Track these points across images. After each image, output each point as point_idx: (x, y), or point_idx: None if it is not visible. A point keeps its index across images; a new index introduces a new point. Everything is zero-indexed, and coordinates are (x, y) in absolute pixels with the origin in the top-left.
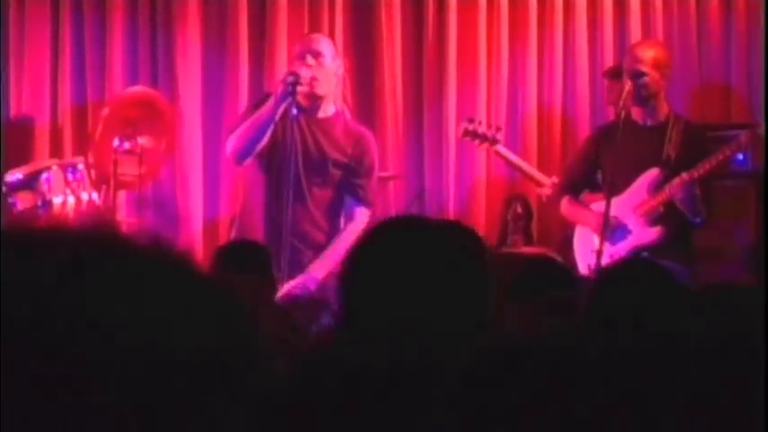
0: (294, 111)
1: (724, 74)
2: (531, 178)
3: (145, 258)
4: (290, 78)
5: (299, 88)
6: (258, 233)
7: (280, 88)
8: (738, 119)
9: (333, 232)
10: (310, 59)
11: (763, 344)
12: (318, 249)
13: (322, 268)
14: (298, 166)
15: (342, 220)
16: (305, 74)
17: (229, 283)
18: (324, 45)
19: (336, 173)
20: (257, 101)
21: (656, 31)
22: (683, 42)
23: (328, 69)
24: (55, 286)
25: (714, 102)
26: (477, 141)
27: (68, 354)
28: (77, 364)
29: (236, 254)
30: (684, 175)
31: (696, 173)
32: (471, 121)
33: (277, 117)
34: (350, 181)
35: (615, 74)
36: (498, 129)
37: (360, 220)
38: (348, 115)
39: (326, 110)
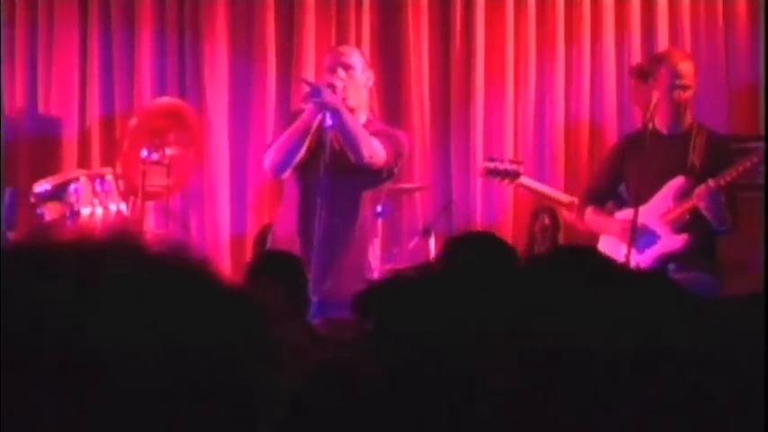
0: (329, 121)
1: (752, 82)
2: (558, 202)
3: (161, 269)
4: (317, 90)
5: (327, 98)
6: (294, 244)
7: (311, 99)
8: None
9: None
10: (341, 72)
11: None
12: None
13: None
14: (332, 176)
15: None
16: (338, 85)
17: (247, 293)
18: (354, 57)
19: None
20: (291, 117)
21: (684, 37)
22: (709, 48)
23: (359, 81)
24: (69, 300)
25: (742, 111)
26: (499, 179)
27: (74, 365)
28: (88, 377)
29: (270, 264)
30: (710, 182)
31: (722, 180)
32: (492, 160)
33: (313, 128)
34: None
35: (642, 74)
36: (519, 162)
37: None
38: (378, 122)
39: (359, 120)
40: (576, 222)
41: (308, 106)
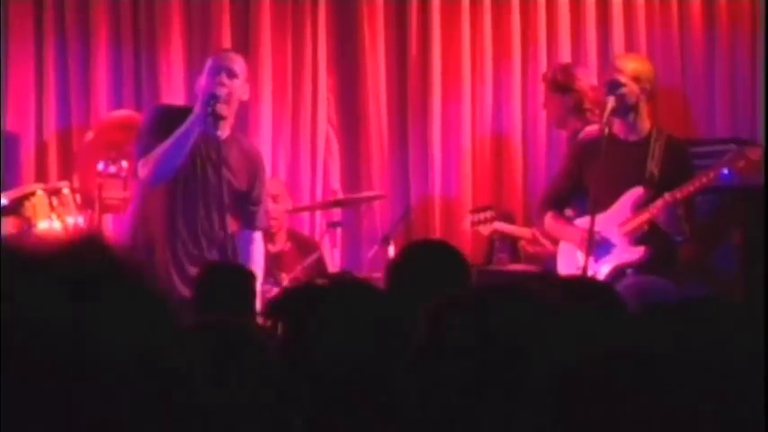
0: (213, 130)
1: (708, 87)
2: (522, 237)
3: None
4: (212, 98)
5: (217, 107)
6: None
7: (199, 107)
8: (723, 133)
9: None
10: (225, 78)
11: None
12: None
13: None
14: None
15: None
16: (221, 92)
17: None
18: (239, 66)
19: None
20: (156, 123)
21: (640, 45)
22: (666, 55)
23: (238, 92)
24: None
25: (698, 116)
26: (481, 228)
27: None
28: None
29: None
30: (667, 197)
31: (679, 194)
32: (475, 211)
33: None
34: (244, 208)
35: (560, 87)
36: (492, 208)
37: (257, 248)
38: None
39: (224, 131)
40: (535, 217)
41: (197, 114)
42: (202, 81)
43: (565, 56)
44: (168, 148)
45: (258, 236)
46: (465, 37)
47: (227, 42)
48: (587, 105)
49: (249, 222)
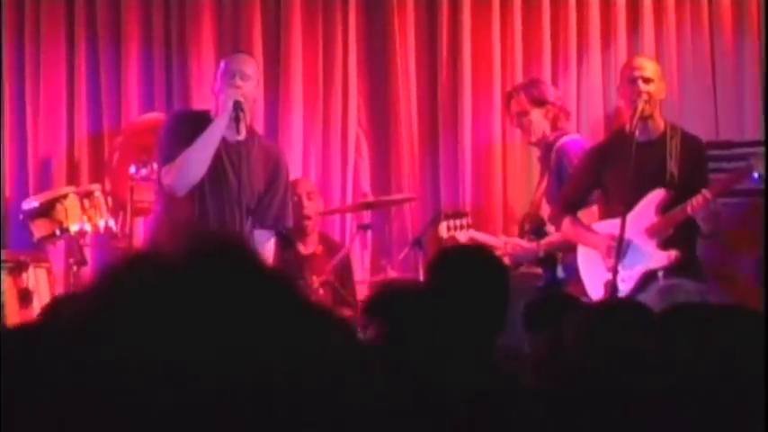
0: (238, 136)
1: (738, 89)
2: (496, 247)
3: None
4: (236, 105)
5: (242, 114)
6: None
7: (220, 112)
8: (752, 135)
9: None
10: (239, 81)
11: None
12: None
13: None
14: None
15: None
16: (241, 97)
17: None
18: (252, 68)
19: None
20: (175, 130)
21: (670, 46)
22: (696, 56)
23: (252, 93)
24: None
25: (728, 118)
26: (458, 234)
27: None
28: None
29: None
30: (706, 193)
31: (716, 189)
32: (449, 217)
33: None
34: (260, 204)
35: (536, 101)
36: (467, 214)
37: (268, 248)
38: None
39: (241, 133)
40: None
41: (219, 120)
42: (217, 84)
43: (595, 57)
44: (192, 155)
45: (270, 235)
46: (495, 39)
47: (258, 46)
48: (562, 115)
49: (262, 220)
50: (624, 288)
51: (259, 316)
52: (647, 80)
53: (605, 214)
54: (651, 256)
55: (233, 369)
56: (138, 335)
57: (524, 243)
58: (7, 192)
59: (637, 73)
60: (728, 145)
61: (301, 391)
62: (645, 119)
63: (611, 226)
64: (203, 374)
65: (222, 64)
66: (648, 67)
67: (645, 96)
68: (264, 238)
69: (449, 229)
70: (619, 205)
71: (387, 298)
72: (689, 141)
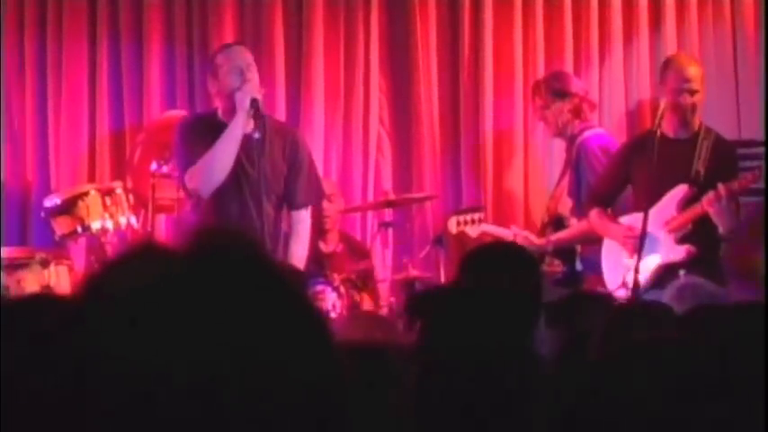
0: (256, 134)
1: (760, 88)
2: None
3: None
4: (254, 102)
5: (260, 110)
6: None
7: (237, 109)
8: None
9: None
10: (249, 74)
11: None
12: None
13: None
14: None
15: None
16: (255, 92)
17: None
18: (250, 56)
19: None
20: (189, 134)
21: (692, 45)
22: (718, 55)
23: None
24: None
25: (750, 116)
26: (468, 229)
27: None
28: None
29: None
30: (721, 189)
31: (732, 186)
32: (461, 213)
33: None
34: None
35: (557, 93)
36: (482, 209)
37: (303, 228)
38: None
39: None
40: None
41: (241, 116)
42: (225, 80)
43: (617, 56)
44: (214, 157)
45: (305, 215)
46: (517, 37)
47: (279, 44)
48: (585, 107)
49: (291, 202)
50: (640, 279)
51: (254, 317)
52: (693, 92)
53: (633, 209)
54: (669, 250)
55: (222, 369)
56: (128, 333)
57: (534, 237)
58: (29, 189)
59: (686, 85)
60: (750, 143)
61: (294, 394)
62: (683, 117)
63: (635, 219)
64: (193, 375)
65: (221, 61)
66: (698, 79)
67: (690, 108)
68: (298, 219)
69: (458, 224)
70: (644, 201)
71: (423, 297)
72: (720, 144)
